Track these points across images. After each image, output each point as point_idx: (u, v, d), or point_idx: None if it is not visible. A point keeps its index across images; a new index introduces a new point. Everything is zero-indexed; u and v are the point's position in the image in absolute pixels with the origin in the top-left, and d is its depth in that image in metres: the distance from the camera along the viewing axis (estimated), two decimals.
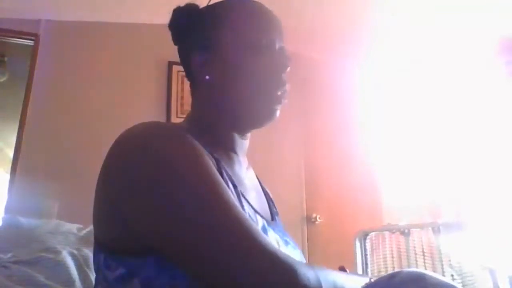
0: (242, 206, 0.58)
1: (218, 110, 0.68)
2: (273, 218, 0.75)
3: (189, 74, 0.72)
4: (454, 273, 1.80)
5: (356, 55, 2.81)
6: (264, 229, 0.61)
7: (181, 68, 2.75)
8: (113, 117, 2.19)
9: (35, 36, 2.15)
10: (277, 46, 0.69)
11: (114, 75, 2.30)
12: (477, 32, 2.51)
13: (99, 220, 0.57)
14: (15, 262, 0.86)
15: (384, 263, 1.83)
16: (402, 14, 2.37)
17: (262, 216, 0.65)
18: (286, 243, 0.67)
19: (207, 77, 0.67)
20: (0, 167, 3.49)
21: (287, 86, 0.70)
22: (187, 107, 2.39)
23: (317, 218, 2.52)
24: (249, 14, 0.68)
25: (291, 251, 0.65)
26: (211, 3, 0.72)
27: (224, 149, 0.68)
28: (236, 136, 0.70)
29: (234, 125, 0.69)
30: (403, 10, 2.32)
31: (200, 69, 0.67)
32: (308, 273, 0.48)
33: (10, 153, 1.98)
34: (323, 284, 0.48)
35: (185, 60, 0.71)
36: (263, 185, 0.83)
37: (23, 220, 1.20)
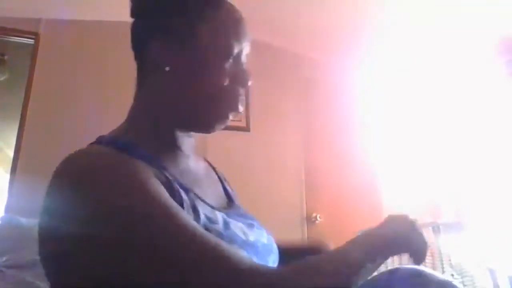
0: (198, 212, 0.56)
1: (168, 104, 0.63)
2: (231, 202, 0.73)
3: (141, 58, 0.65)
4: (454, 273, 1.80)
5: (356, 55, 2.80)
6: (225, 224, 0.59)
7: None
8: (114, 117, 2.19)
9: (35, 35, 2.14)
10: (243, 57, 0.66)
11: (114, 74, 2.29)
12: (477, 32, 2.51)
13: (45, 258, 0.51)
14: (9, 267, 0.85)
15: (385, 262, 1.83)
16: (402, 14, 2.36)
17: (220, 210, 0.62)
18: (251, 226, 0.65)
19: (167, 68, 0.61)
20: (0, 166, 3.49)
21: (242, 100, 0.66)
22: None
23: (317, 218, 2.52)
24: (227, 17, 0.64)
25: (257, 233, 0.64)
26: None
27: (168, 146, 0.65)
28: (179, 134, 0.66)
29: (177, 123, 0.65)
30: (403, 10, 2.32)
31: (161, 57, 0.61)
32: (262, 272, 0.47)
33: (10, 152, 1.97)
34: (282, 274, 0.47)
35: (141, 39, 0.64)
36: (218, 171, 0.81)
37: (23, 220, 1.20)
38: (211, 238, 0.48)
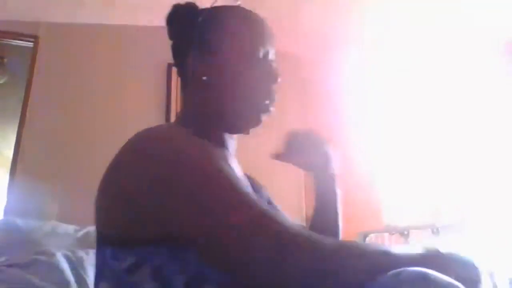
0: None
1: (210, 111, 0.71)
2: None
3: (183, 71, 0.74)
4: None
5: (356, 55, 2.80)
6: None
7: None
8: (113, 118, 2.20)
9: (34, 38, 2.15)
10: (270, 57, 0.73)
11: (113, 77, 2.30)
12: (483, 33, 2.50)
13: (108, 214, 0.59)
14: (9, 266, 0.86)
15: None
16: (402, 14, 2.36)
17: None
18: None
19: (204, 78, 0.70)
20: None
21: (275, 97, 0.74)
22: None
23: None
24: (249, 24, 0.72)
25: None
26: (214, 4, 0.76)
27: (218, 147, 0.71)
28: (226, 135, 0.74)
29: (223, 128, 0.73)
30: (403, 10, 2.32)
31: (197, 69, 0.70)
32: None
33: (9, 155, 1.98)
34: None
35: (180, 57, 0.74)
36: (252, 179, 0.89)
37: (20, 222, 1.21)
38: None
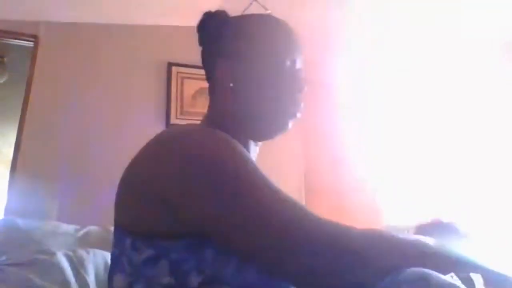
0: None
1: (237, 117, 0.72)
2: None
3: (211, 77, 0.76)
4: (453, 274, 1.79)
5: (356, 55, 2.80)
6: None
7: (180, 69, 2.72)
8: (113, 118, 2.20)
9: (34, 38, 2.15)
10: (297, 66, 0.74)
11: (113, 76, 2.30)
12: (479, 32, 2.50)
13: (130, 207, 0.60)
14: (9, 265, 0.86)
15: None
16: (402, 14, 2.36)
17: None
18: None
19: (231, 84, 0.71)
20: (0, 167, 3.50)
21: (302, 105, 0.75)
22: (187, 108, 2.40)
23: None
24: (277, 33, 0.73)
25: None
26: (244, 12, 0.78)
27: None
28: (251, 142, 0.75)
29: (248, 134, 0.74)
30: (403, 10, 2.32)
31: (225, 76, 0.72)
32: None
33: (10, 154, 1.98)
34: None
35: (209, 63, 0.76)
36: None
37: (21, 222, 1.20)
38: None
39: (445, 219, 0.63)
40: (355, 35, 2.59)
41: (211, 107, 0.77)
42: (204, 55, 0.77)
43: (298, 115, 0.74)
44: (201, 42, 0.77)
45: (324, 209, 2.82)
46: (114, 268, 0.61)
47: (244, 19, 0.75)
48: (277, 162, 2.48)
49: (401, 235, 0.55)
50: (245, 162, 0.56)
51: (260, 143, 0.78)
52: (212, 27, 0.75)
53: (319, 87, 2.80)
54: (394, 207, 2.66)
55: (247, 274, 0.55)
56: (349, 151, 2.76)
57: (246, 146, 0.74)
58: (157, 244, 0.55)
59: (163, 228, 0.56)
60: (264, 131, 0.75)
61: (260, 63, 0.71)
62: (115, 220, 0.63)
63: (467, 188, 2.60)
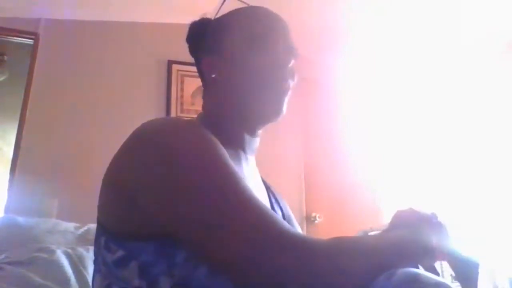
0: None
1: (226, 107, 0.71)
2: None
3: (201, 76, 0.77)
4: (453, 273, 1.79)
5: (355, 54, 2.80)
6: None
7: (180, 67, 2.72)
8: (113, 116, 2.19)
9: (35, 35, 2.15)
10: (280, 42, 0.71)
11: (113, 74, 2.30)
12: (479, 32, 2.50)
13: (105, 203, 0.59)
14: (9, 263, 0.86)
15: None
16: (402, 14, 2.36)
17: None
18: None
19: (213, 75, 0.71)
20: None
21: (291, 82, 0.72)
22: (187, 106, 2.40)
23: (317, 218, 2.51)
24: (251, 15, 0.73)
25: None
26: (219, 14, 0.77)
27: (233, 147, 0.69)
28: (246, 135, 0.73)
29: (242, 122, 0.72)
30: (403, 10, 2.32)
31: (207, 68, 0.73)
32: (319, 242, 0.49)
33: (10, 152, 1.98)
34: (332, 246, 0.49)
35: (198, 65, 0.77)
36: (269, 186, 0.87)
37: (21, 220, 1.21)
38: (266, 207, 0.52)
39: (422, 209, 0.62)
40: (355, 35, 2.58)
41: (203, 103, 0.77)
42: (196, 62, 0.78)
43: (288, 91, 0.72)
44: (190, 51, 0.79)
45: (324, 209, 2.83)
46: (94, 267, 0.61)
47: (222, 16, 0.76)
48: (277, 161, 2.48)
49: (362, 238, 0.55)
50: (213, 155, 0.54)
51: (257, 134, 0.76)
52: (196, 33, 0.77)
53: (319, 86, 2.80)
54: (394, 207, 2.66)
55: (219, 278, 0.52)
56: (349, 151, 2.76)
57: (240, 140, 0.72)
58: (127, 245, 0.54)
59: (131, 227, 0.54)
60: (256, 115, 0.72)
61: (234, 45, 0.71)
62: (97, 217, 0.61)
63: (467, 188, 2.60)
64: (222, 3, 0.82)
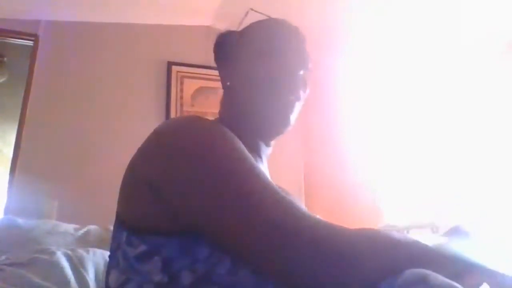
0: None
1: (239, 115, 0.74)
2: None
3: (221, 84, 0.80)
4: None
5: (355, 54, 2.80)
6: None
7: (180, 68, 2.73)
8: (113, 117, 2.20)
9: (34, 37, 2.15)
10: (291, 54, 0.72)
11: (113, 75, 2.30)
12: (479, 32, 2.50)
13: (128, 199, 0.60)
14: (9, 264, 0.86)
15: None
16: (402, 14, 2.36)
17: None
18: None
19: (228, 83, 0.76)
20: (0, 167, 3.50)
21: (302, 93, 0.73)
22: (186, 108, 2.40)
23: None
24: (266, 27, 0.76)
25: None
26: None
27: (249, 152, 0.70)
28: (260, 142, 0.75)
29: (255, 131, 0.74)
30: (403, 10, 2.32)
31: (223, 76, 0.77)
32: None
33: (10, 153, 1.98)
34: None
35: (219, 73, 0.80)
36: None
37: (21, 221, 1.20)
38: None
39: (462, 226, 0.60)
40: (355, 35, 2.58)
41: (220, 110, 0.79)
42: (217, 69, 0.81)
43: (297, 103, 0.73)
44: (214, 58, 0.81)
45: (324, 209, 2.84)
46: (110, 263, 0.61)
47: (244, 28, 0.79)
48: (277, 161, 2.47)
49: (397, 235, 0.53)
50: (235, 151, 0.55)
51: (270, 144, 0.78)
52: (218, 42, 0.80)
53: (319, 86, 2.81)
54: (394, 207, 2.66)
55: (240, 275, 0.53)
56: (349, 151, 2.76)
57: (255, 147, 0.74)
58: (150, 240, 0.55)
59: (156, 222, 0.55)
60: (264, 126, 0.74)
61: (245, 55, 0.74)
62: (116, 213, 0.62)
63: (467, 188, 2.60)
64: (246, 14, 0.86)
